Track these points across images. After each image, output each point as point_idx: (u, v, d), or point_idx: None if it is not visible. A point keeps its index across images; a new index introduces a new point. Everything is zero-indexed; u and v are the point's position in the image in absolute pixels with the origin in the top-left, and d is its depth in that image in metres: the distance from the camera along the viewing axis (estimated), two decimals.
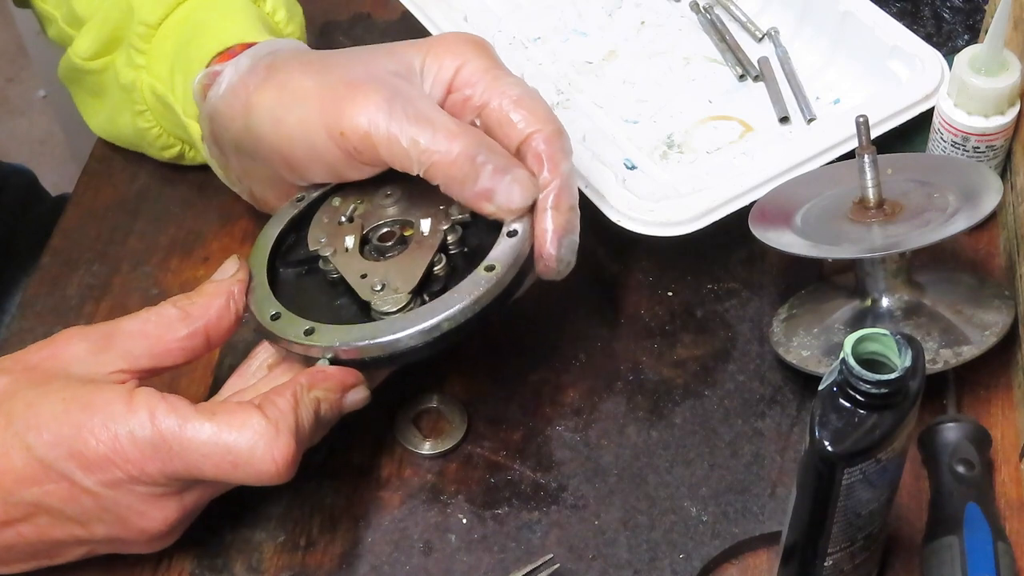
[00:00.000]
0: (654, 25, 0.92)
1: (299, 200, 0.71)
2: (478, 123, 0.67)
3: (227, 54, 0.73)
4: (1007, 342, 0.70)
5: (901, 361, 0.53)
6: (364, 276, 0.66)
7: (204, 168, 0.79)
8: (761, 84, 0.87)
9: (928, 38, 0.87)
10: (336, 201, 0.71)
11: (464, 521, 0.68)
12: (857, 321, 0.71)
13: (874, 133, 0.73)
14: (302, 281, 0.69)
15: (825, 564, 0.59)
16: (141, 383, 0.62)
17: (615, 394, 0.73)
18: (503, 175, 0.64)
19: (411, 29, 0.88)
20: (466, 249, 0.67)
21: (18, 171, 1.09)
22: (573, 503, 0.68)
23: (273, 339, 0.65)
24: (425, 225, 0.67)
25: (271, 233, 0.70)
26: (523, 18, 0.93)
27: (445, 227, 0.67)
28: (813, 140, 0.78)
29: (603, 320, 0.76)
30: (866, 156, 0.70)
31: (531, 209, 0.65)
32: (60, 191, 1.09)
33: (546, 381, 0.74)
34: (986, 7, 0.87)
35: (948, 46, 0.88)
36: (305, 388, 0.61)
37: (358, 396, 0.64)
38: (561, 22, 0.93)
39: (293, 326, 0.64)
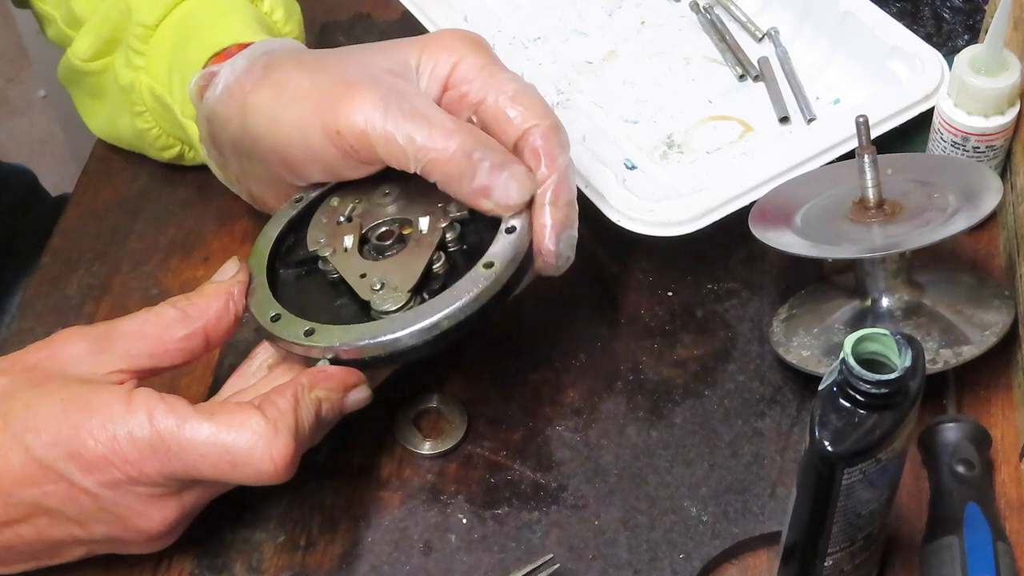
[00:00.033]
0: (654, 25, 0.92)
1: (298, 200, 0.71)
2: (475, 120, 0.67)
3: (224, 55, 0.73)
4: (1007, 342, 0.70)
5: (901, 361, 0.53)
6: (363, 276, 0.66)
7: (204, 168, 0.79)
8: (761, 84, 0.87)
9: (928, 38, 0.87)
10: (335, 201, 0.71)
11: (464, 521, 0.68)
12: (857, 321, 0.71)
13: (874, 133, 0.73)
14: (302, 282, 0.69)
15: (825, 564, 0.59)
16: (140, 383, 0.62)
17: (615, 394, 0.73)
18: (500, 171, 0.64)
19: (411, 29, 0.88)
20: (465, 246, 0.67)
21: (18, 171, 1.09)
22: (573, 503, 0.68)
23: (274, 340, 0.65)
24: (424, 223, 0.67)
25: (270, 234, 0.70)
26: (523, 18, 0.93)
27: (444, 225, 0.67)
28: (813, 140, 0.78)
29: (603, 320, 0.76)
30: (866, 156, 0.70)
31: (529, 205, 0.65)
32: (60, 191, 1.09)
33: (546, 381, 0.74)
34: (986, 7, 0.87)
35: (948, 46, 0.88)
36: (306, 388, 0.61)
37: (360, 396, 0.64)
38: (561, 22, 0.93)
39: (293, 327, 0.64)
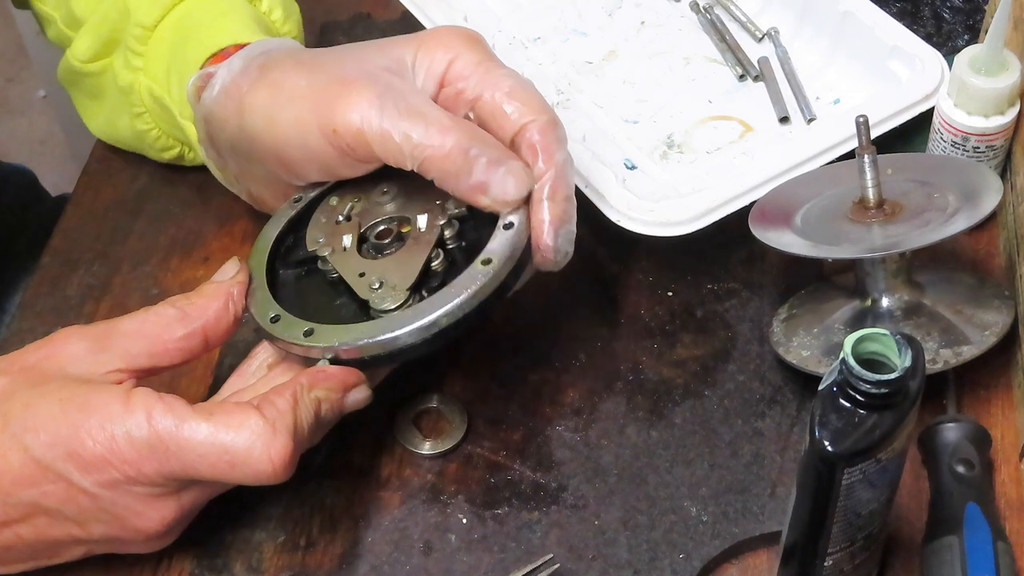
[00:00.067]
0: (654, 25, 0.92)
1: (297, 200, 0.71)
2: (472, 116, 0.67)
3: (221, 55, 0.73)
4: (1007, 342, 0.70)
5: (901, 361, 0.53)
6: (362, 275, 0.66)
7: (204, 169, 0.79)
8: (761, 84, 0.87)
9: (928, 38, 0.87)
10: (333, 200, 0.71)
11: (464, 521, 0.68)
12: (857, 321, 0.71)
13: (874, 133, 0.73)
14: (302, 282, 0.69)
15: (825, 564, 0.59)
16: (139, 383, 0.62)
17: (615, 394, 0.73)
18: (497, 167, 0.63)
19: (411, 29, 0.87)
20: (464, 243, 0.67)
21: (18, 171, 1.09)
22: (573, 503, 0.68)
23: (273, 341, 0.65)
24: (422, 221, 0.67)
25: (270, 234, 0.70)
26: (523, 18, 0.93)
27: (442, 222, 0.67)
28: (813, 140, 0.78)
29: (603, 320, 0.76)
30: (866, 156, 0.70)
31: (527, 200, 0.65)
32: (60, 191, 1.09)
33: (546, 381, 0.74)
34: (986, 7, 0.87)
35: (948, 46, 0.88)
36: (306, 388, 0.61)
37: (360, 395, 0.64)
38: (561, 22, 0.93)
39: (293, 328, 0.64)
